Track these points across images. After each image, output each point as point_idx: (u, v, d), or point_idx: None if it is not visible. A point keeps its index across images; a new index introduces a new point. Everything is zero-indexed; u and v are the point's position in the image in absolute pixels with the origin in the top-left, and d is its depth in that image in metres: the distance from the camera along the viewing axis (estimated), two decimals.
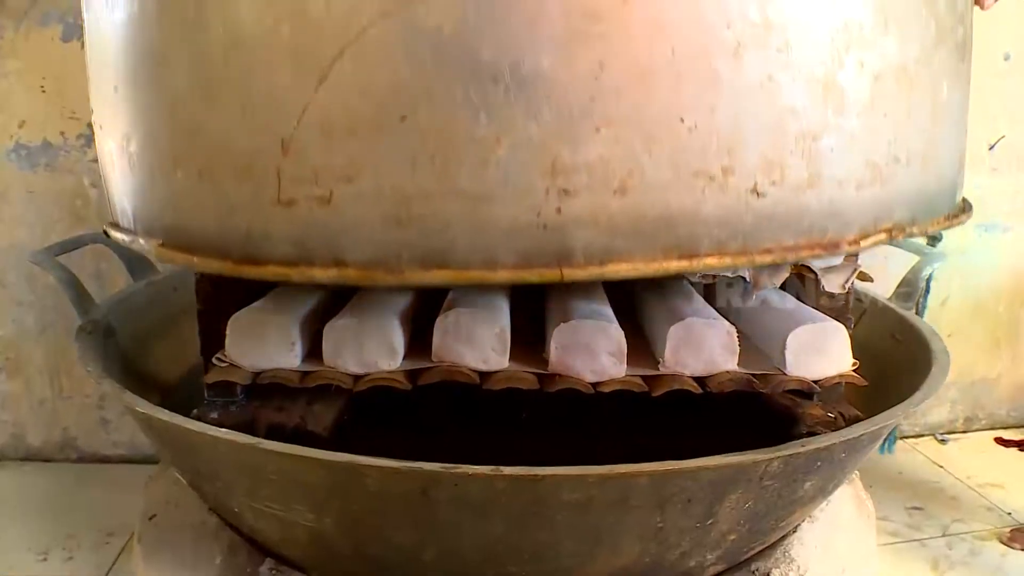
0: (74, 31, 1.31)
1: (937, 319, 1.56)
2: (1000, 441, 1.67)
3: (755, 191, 0.54)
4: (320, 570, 0.73)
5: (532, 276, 0.53)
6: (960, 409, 1.71)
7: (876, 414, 0.68)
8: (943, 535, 1.33)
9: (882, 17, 0.57)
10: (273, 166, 0.54)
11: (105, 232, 0.73)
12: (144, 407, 0.67)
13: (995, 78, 1.48)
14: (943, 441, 1.68)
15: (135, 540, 0.84)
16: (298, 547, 0.70)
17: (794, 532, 0.80)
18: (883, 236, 0.60)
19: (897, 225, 0.61)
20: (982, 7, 0.79)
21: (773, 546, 0.78)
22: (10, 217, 1.39)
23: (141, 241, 0.64)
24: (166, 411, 0.66)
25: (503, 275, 0.53)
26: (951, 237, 1.54)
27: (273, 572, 0.74)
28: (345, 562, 0.68)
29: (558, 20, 0.50)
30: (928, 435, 1.70)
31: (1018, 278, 1.63)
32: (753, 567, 0.76)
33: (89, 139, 1.35)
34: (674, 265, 0.54)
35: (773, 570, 0.76)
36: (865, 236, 0.59)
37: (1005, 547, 1.30)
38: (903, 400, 0.70)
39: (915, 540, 1.32)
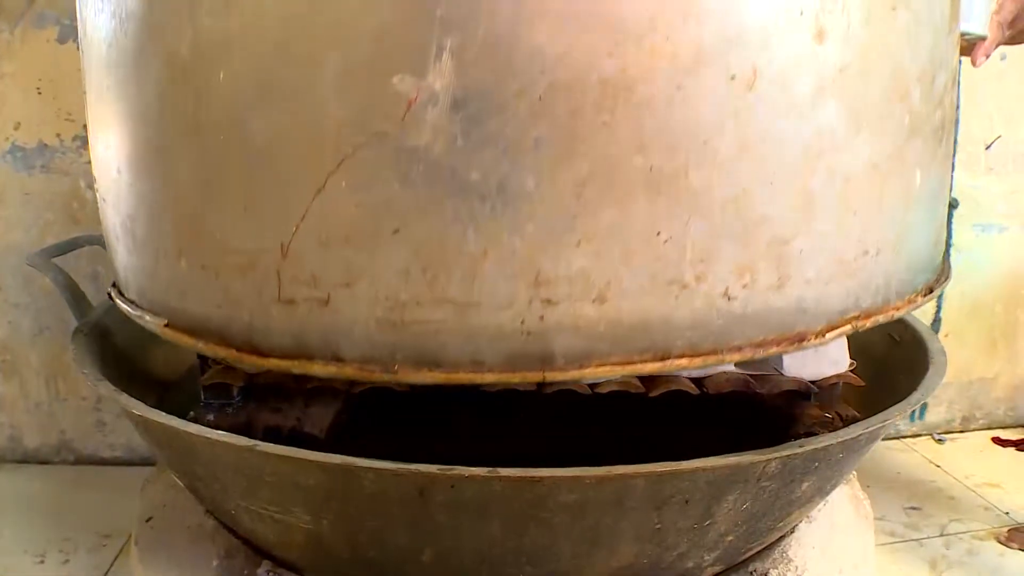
0: (70, 33, 1.31)
1: (934, 319, 1.57)
2: (997, 441, 1.68)
3: (726, 295, 0.57)
4: (317, 572, 0.73)
5: (516, 379, 0.57)
6: (957, 409, 1.71)
7: (874, 414, 0.68)
8: (941, 535, 1.33)
9: (854, 121, 0.59)
10: (273, 267, 0.57)
11: (109, 295, 0.75)
12: (140, 409, 0.67)
13: (991, 78, 1.48)
14: (941, 441, 1.69)
15: (132, 543, 0.84)
16: (295, 549, 0.70)
17: (792, 533, 0.80)
18: (848, 328, 0.63)
19: (865, 312, 0.64)
20: (974, 64, 0.81)
21: (771, 547, 0.78)
22: (6, 219, 1.38)
23: (147, 318, 0.66)
24: (162, 413, 0.66)
25: (489, 377, 0.56)
26: None
27: (270, 574, 0.74)
28: (342, 564, 0.68)
29: (543, 142, 0.52)
30: (926, 435, 1.70)
31: (1015, 278, 1.64)
32: (751, 568, 0.76)
33: (85, 141, 1.34)
34: (648, 367, 0.57)
35: (771, 570, 0.76)
36: (832, 328, 0.62)
37: (1003, 547, 1.30)
38: (900, 400, 0.70)
39: (913, 540, 1.32)
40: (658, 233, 0.54)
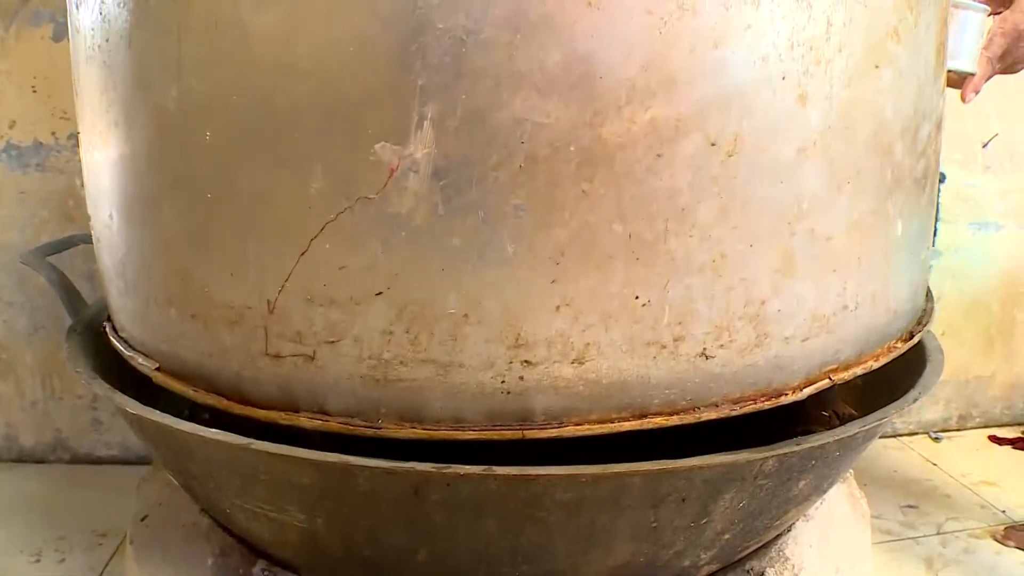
0: (65, 31, 1.30)
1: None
2: (994, 439, 1.68)
3: (704, 355, 0.58)
4: (313, 571, 0.73)
5: (495, 436, 0.57)
6: (954, 407, 1.71)
7: (870, 412, 0.68)
8: (937, 533, 1.33)
9: (836, 181, 0.59)
10: (260, 322, 0.58)
11: (103, 329, 0.76)
12: (135, 407, 0.66)
13: None
14: (937, 439, 1.69)
15: (127, 541, 0.83)
16: (290, 548, 0.70)
17: (789, 531, 0.80)
18: (826, 382, 0.64)
19: (843, 364, 0.65)
20: (963, 100, 0.81)
21: (767, 545, 0.78)
22: (1, 218, 1.38)
23: (140, 360, 0.68)
24: (157, 411, 0.66)
25: (470, 434, 0.58)
26: (944, 235, 1.55)
27: (265, 573, 0.74)
28: (338, 563, 0.68)
29: (523, 210, 0.53)
30: (922, 433, 1.70)
31: (1011, 276, 1.64)
32: (747, 566, 0.76)
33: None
34: (625, 425, 0.58)
35: (768, 569, 0.76)
36: (810, 383, 0.63)
37: (999, 545, 1.30)
38: (897, 398, 0.70)
39: (909, 538, 1.32)
40: (636, 297, 0.55)
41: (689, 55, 0.53)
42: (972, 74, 0.81)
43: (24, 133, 1.35)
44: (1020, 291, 1.66)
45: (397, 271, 0.54)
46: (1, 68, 1.32)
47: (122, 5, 0.60)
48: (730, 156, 0.55)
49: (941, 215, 1.56)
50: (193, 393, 0.64)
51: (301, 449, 0.58)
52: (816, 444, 0.61)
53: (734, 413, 0.60)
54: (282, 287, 0.56)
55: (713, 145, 0.54)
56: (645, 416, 0.58)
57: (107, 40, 0.61)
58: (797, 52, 0.56)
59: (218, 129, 0.57)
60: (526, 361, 0.56)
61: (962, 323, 1.64)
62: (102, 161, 0.66)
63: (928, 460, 1.59)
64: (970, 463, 1.57)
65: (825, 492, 0.75)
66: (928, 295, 0.80)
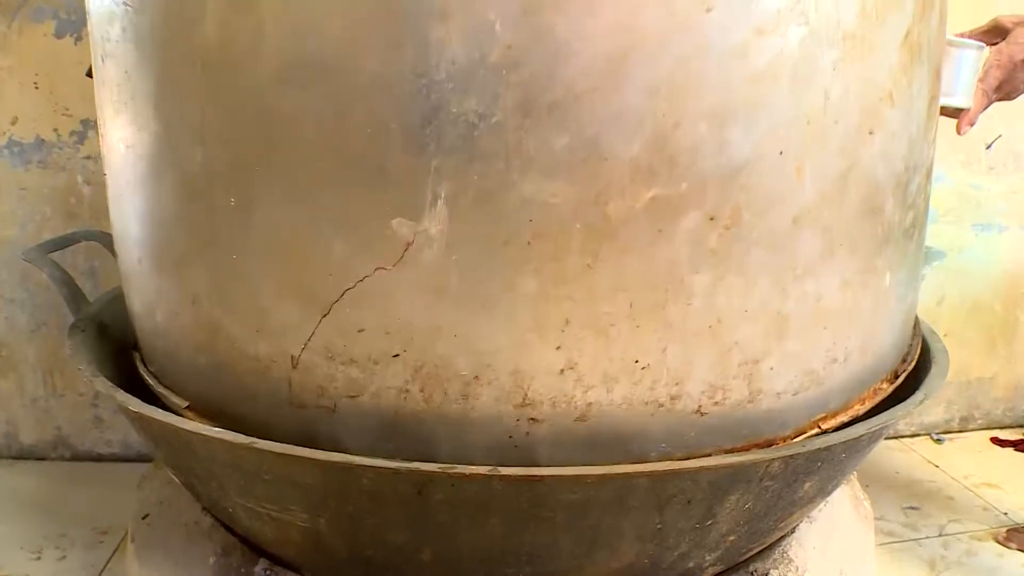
0: (68, 27, 1.30)
1: (934, 318, 1.56)
2: (996, 441, 1.67)
3: (699, 411, 0.60)
4: (315, 571, 0.73)
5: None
6: (956, 409, 1.71)
7: (876, 414, 0.67)
8: (939, 535, 1.33)
9: (829, 245, 0.61)
10: (285, 375, 0.61)
11: (140, 357, 0.77)
12: (137, 406, 0.66)
13: None
14: (939, 441, 1.68)
15: (129, 540, 0.83)
16: (293, 548, 0.70)
17: (792, 533, 0.80)
18: (816, 431, 0.66)
19: (831, 412, 0.67)
20: (959, 133, 0.82)
21: (771, 547, 0.78)
22: (2, 214, 1.37)
23: (173, 398, 0.70)
24: (159, 410, 0.66)
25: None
26: (947, 236, 1.55)
27: (267, 572, 0.73)
28: (340, 563, 0.68)
29: (531, 284, 0.56)
30: (924, 435, 1.70)
31: (1014, 277, 1.63)
32: (752, 568, 0.76)
33: (82, 136, 1.34)
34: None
35: (771, 571, 0.76)
36: (800, 432, 0.65)
37: (1001, 547, 1.30)
38: (903, 400, 0.70)
39: (911, 540, 1.32)
40: (636, 361, 0.58)
41: (692, 136, 0.54)
42: (967, 109, 0.81)
43: (26, 130, 1.35)
44: (1023, 292, 1.65)
45: (412, 335, 0.57)
46: (3, 64, 1.32)
47: (148, 65, 0.62)
48: (728, 229, 0.57)
49: (944, 216, 1.55)
50: (221, 432, 0.65)
51: (305, 449, 0.58)
52: (822, 446, 0.61)
53: (727, 460, 0.60)
54: (304, 345, 0.60)
55: (712, 219, 0.56)
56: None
57: (133, 98, 0.64)
58: (795, 127, 0.57)
59: (242, 199, 0.59)
60: (532, 419, 0.58)
61: (964, 324, 1.64)
62: (130, 211, 0.69)
63: (930, 462, 1.59)
64: (972, 465, 1.57)
65: (830, 494, 0.74)
66: (915, 328, 0.81)
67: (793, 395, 0.63)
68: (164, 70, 0.61)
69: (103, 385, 0.72)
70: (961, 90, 0.79)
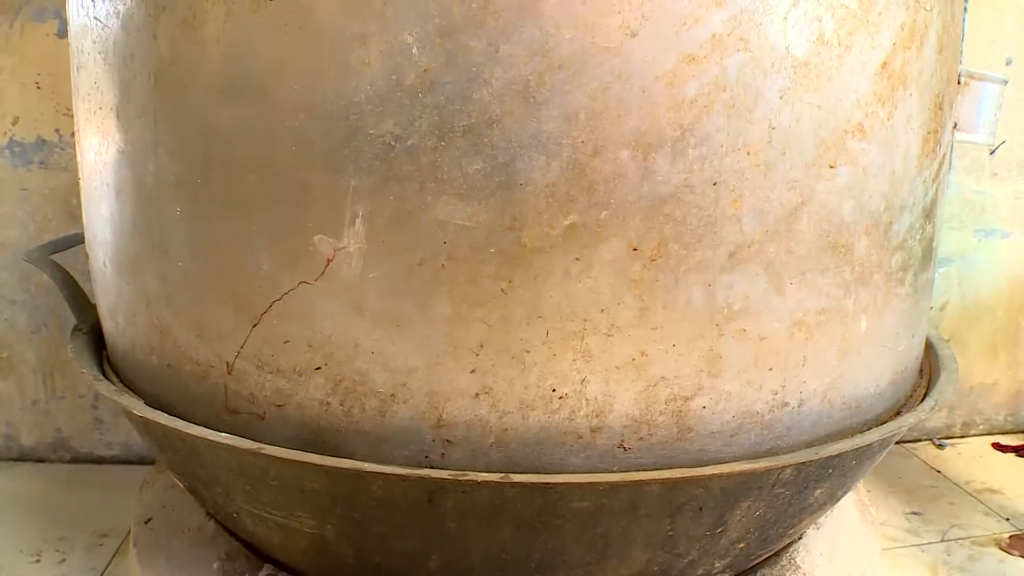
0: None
1: (936, 324, 1.56)
2: (998, 446, 1.67)
3: (622, 446, 0.58)
4: None
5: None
6: (958, 414, 1.71)
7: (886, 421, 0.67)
8: (942, 540, 1.33)
9: (774, 284, 0.59)
10: (222, 381, 0.63)
11: (106, 356, 0.79)
12: (141, 410, 0.66)
13: None
14: (941, 446, 1.68)
15: (131, 544, 0.83)
16: (299, 554, 0.69)
17: (800, 539, 0.80)
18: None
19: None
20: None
21: (779, 553, 0.78)
22: (3, 215, 1.37)
23: (125, 398, 0.71)
24: (163, 414, 0.65)
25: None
26: (950, 242, 1.55)
27: None
28: (347, 569, 0.67)
29: (444, 307, 0.56)
30: (926, 440, 1.70)
31: (1017, 284, 1.63)
32: (760, 574, 0.75)
33: None
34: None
35: None
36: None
37: (1004, 553, 1.29)
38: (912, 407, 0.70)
39: (913, 545, 1.31)
40: (553, 390, 0.57)
41: (612, 163, 0.53)
42: (990, 145, 0.78)
43: (27, 130, 1.34)
44: None
45: (332, 350, 0.59)
46: (4, 64, 1.31)
47: (111, 78, 0.65)
48: (653, 260, 0.56)
49: (948, 222, 1.55)
50: (180, 426, 0.67)
51: (313, 455, 0.57)
52: (834, 453, 0.61)
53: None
54: (238, 353, 0.62)
55: (635, 250, 0.55)
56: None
57: (100, 108, 0.67)
58: (732, 157, 0.55)
59: (186, 207, 0.61)
60: (448, 440, 0.58)
61: (966, 330, 1.64)
62: (97, 216, 0.71)
63: (932, 467, 1.58)
64: (974, 470, 1.56)
65: (839, 500, 0.74)
66: (921, 372, 0.78)
67: (731, 436, 0.60)
68: (124, 84, 0.63)
69: (107, 388, 0.71)
70: (983, 126, 0.76)
